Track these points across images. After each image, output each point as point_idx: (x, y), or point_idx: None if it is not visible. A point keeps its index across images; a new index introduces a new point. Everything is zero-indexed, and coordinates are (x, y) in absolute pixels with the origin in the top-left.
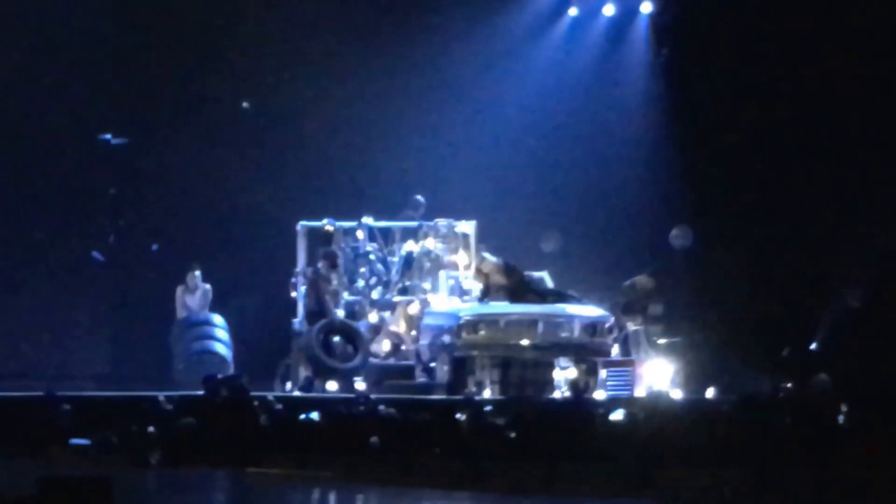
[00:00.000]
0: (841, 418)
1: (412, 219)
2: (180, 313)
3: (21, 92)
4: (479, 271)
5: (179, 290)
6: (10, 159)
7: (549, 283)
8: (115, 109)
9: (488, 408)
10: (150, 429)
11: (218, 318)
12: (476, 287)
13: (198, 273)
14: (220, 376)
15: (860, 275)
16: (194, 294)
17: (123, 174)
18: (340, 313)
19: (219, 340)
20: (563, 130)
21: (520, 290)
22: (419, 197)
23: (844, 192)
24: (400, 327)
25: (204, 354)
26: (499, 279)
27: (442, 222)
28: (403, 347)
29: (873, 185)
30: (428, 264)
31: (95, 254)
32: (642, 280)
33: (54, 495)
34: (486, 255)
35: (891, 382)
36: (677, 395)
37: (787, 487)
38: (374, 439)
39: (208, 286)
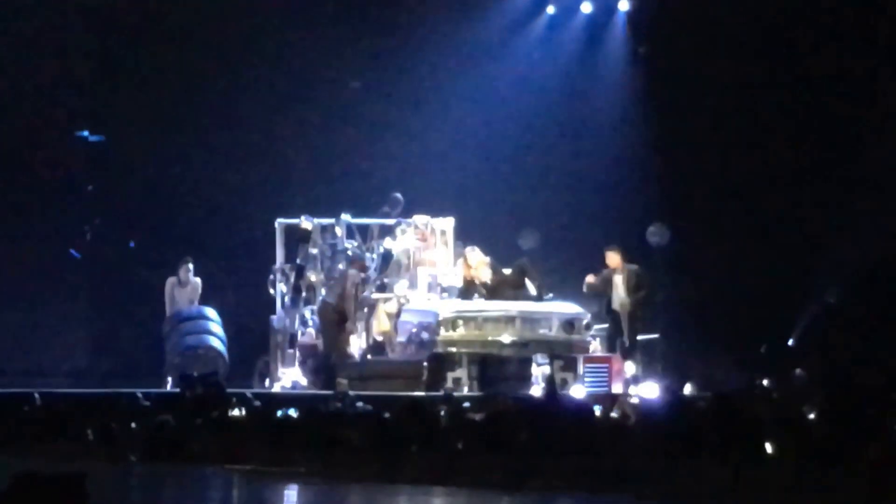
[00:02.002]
0: (814, 415)
1: (390, 216)
2: (171, 307)
3: None
4: (465, 265)
5: (170, 283)
6: None
7: (531, 272)
8: (91, 106)
9: (466, 404)
10: (129, 425)
11: (212, 312)
12: (456, 282)
13: (191, 266)
14: (195, 374)
15: (837, 271)
16: (185, 287)
17: (100, 171)
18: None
19: (213, 335)
20: (540, 127)
21: (501, 287)
22: (397, 194)
23: (823, 189)
24: (378, 324)
25: (199, 349)
26: (483, 275)
27: (420, 219)
28: (381, 341)
29: (853, 182)
30: (406, 261)
31: (72, 251)
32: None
33: (28, 491)
34: (473, 249)
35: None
36: (653, 391)
37: (764, 483)
38: (351, 436)
39: (199, 280)
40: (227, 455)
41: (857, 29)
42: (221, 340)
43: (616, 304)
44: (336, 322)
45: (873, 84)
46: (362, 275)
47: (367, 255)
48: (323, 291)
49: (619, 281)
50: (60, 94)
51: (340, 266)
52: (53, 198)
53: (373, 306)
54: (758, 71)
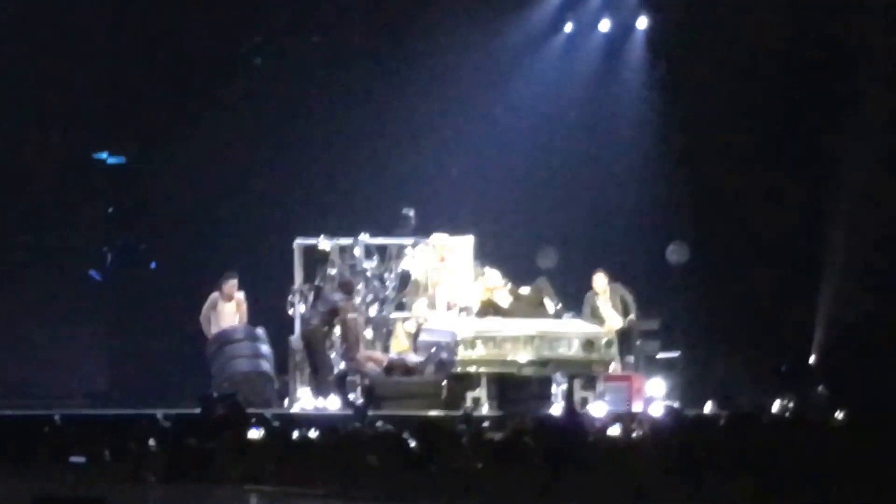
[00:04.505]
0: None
1: (403, 234)
2: (215, 324)
3: (16, 110)
4: (483, 285)
5: (212, 299)
6: (5, 177)
7: (549, 291)
8: (110, 128)
9: (486, 423)
10: (148, 446)
11: (261, 331)
12: (475, 303)
13: (235, 281)
14: (215, 394)
15: (857, 288)
16: (230, 303)
17: (120, 193)
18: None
19: (264, 357)
20: (559, 145)
21: (520, 306)
22: (408, 210)
23: (843, 207)
24: (397, 344)
25: (250, 374)
26: (501, 295)
27: (438, 238)
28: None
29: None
30: (424, 281)
31: (93, 272)
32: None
33: None
34: (489, 269)
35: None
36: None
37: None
38: (371, 456)
39: (242, 295)
40: (246, 476)
41: (877, 41)
42: (270, 362)
43: (608, 327)
44: (322, 343)
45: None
46: (353, 300)
47: (386, 274)
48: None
49: (603, 304)
50: (80, 116)
51: (359, 287)
52: (73, 219)
53: (390, 325)
54: (777, 87)
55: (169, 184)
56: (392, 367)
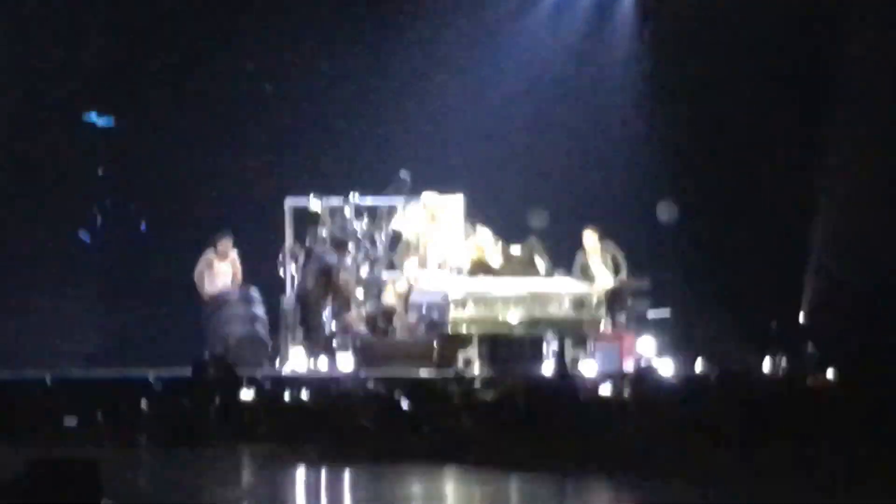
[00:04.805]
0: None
1: (398, 195)
2: (209, 284)
3: (2, 72)
4: (474, 244)
5: (205, 258)
6: None
7: (540, 250)
8: (99, 89)
9: (477, 384)
10: (140, 408)
11: (256, 293)
12: (466, 262)
13: (229, 240)
14: (208, 356)
15: (847, 246)
16: (224, 261)
17: (110, 154)
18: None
19: (259, 320)
20: (548, 105)
21: (511, 266)
22: (404, 172)
23: (835, 165)
24: (389, 304)
25: (245, 339)
26: (493, 254)
27: (429, 198)
28: (395, 324)
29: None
30: (415, 241)
31: (83, 234)
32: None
33: (42, 478)
34: (480, 228)
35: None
36: (666, 368)
37: (775, 461)
38: (363, 417)
39: (236, 253)
40: (238, 437)
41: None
42: (265, 325)
43: (599, 286)
44: (316, 304)
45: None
46: (346, 260)
47: (377, 234)
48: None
49: (594, 262)
50: (68, 78)
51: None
52: (62, 182)
53: (381, 285)
54: (769, 47)
55: (159, 145)
56: (374, 320)
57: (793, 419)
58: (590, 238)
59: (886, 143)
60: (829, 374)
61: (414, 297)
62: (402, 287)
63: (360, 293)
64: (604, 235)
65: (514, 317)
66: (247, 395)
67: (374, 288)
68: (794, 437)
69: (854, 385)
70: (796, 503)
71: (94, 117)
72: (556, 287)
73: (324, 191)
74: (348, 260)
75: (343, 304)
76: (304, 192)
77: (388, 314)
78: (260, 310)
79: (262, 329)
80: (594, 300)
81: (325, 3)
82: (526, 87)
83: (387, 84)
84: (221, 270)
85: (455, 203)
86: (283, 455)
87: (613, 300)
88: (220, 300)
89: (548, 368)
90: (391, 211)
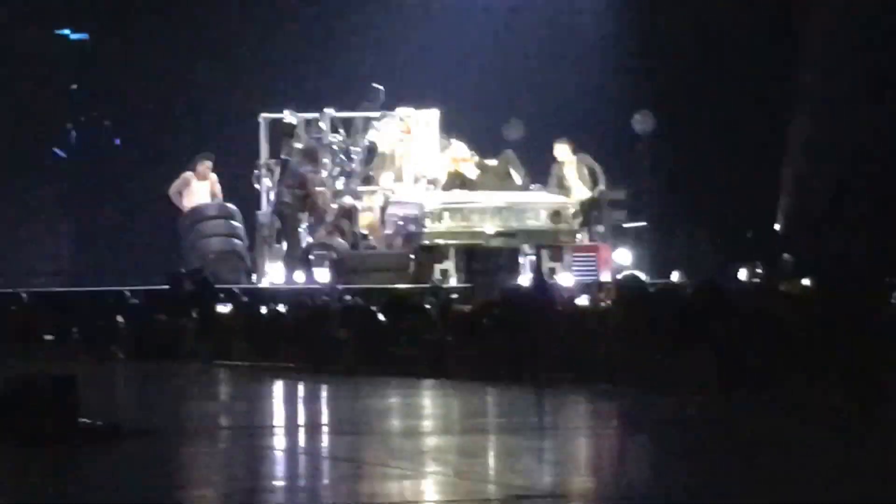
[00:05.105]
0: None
1: (372, 108)
2: (186, 202)
3: None
4: (449, 157)
5: (185, 177)
6: None
7: (515, 163)
8: (74, 3)
9: (454, 295)
10: (116, 323)
11: (234, 209)
12: (442, 176)
13: (210, 162)
14: (183, 269)
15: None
16: (204, 182)
17: (84, 70)
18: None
19: (238, 237)
20: (524, 18)
21: (486, 178)
22: (376, 85)
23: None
24: (365, 218)
25: (224, 254)
26: (468, 167)
27: (404, 111)
28: (370, 238)
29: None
30: (391, 154)
31: (57, 150)
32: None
33: (19, 394)
34: (455, 142)
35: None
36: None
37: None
38: (339, 330)
39: (216, 177)
40: (215, 351)
41: None
42: (244, 240)
43: (575, 197)
44: (293, 215)
45: None
46: (320, 173)
47: (352, 148)
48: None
49: (569, 174)
50: None
51: (325, 161)
52: (37, 98)
53: (357, 199)
54: None
55: (133, 60)
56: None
57: (768, 327)
58: (562, 150)
59: (860, 50)
60: (805, 281)
61: (390, 211)
62: (378, 201)
63: (335, 206)
64: (578, 147)
65: (490, 229)
66: (224, 308)
67: (350, 201)
68: (770, 344)
69: (828, 292)
70: (773, 407)
71: (68, 32)
72: (533, 199)
73: (299, 105)
74: (323, 172)
75: (319, 217)
76: (280, 108)
77: (365, 227)
78: (238, 225)
79: (240, 244)
80: (570, 211)
81: None
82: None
83: (362, 0)
84: (199, 190)
85: (431, 117)
86: (261, 368)
87: (590, 211)
88: (197, 214)
89: (524, 279)
90: (367, 124)
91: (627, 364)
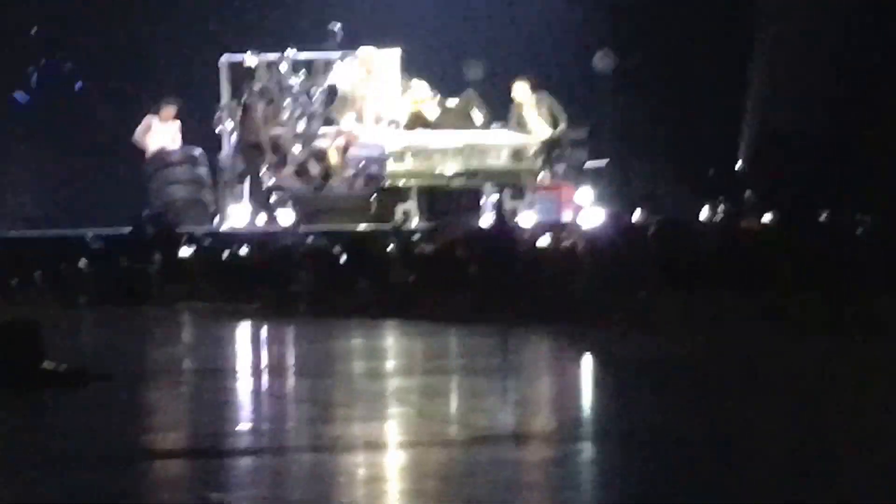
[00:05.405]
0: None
1: (331, 49)
2: (151, 145)
3: None
4: (411, 98)
5: (148, 120)
6: None
7: (477, 102)
8: None
9: (416, 236)
10: (79, 268)
11: (199, 153)
12: (403, 116)
13: (174, 108)
14: (146, 213)
15: (783, 94)
16: (167, 125)
17: (44, 13)
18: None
19: (203, 183)
20: None
21: (448, 118)
22: (335, 25)
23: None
24: (327, 158)
25: (188, 202)
26: (429, 107)
27: (365, 51)
28: (332, 179)
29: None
30: (352, 95)
31: (17, 94)
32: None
33: None
34: (416, 82)
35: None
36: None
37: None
38: (302, 272)
39: (179, 124)
40: (178, 295)
41: None
42: (208, 187)
43: (536, 137)
44: (254, 157)
45: None
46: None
47: (313, 89)
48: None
49: (529, 113)
50: None
51: (286, 102)
52: None
53: (319, 139)
54: None
55: (93, 3)
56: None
57: (730, 264)
58: (521, 89)
59: None
60: (766, 218)
61: (351, 152)
62: (339, 141)
63: (296, 148)
64: (538, 86)
65: (451, 169)
66: (186, 252)
67: (311, 142)
68: (731, 281)
69: (790, 229)
70: (734, 346)
71: None
72: (494, 139)
73: (260, 47)
74: (284, 113)
75: (280, 159)
76: (241, 50)
77: (326, 169)
78: (203, 171)
79: (205, 192)
80: (532, 151)
81: None
82: None
83: None
84: (163, 134)
85: (391, 57)
86: (224, 312)
87: (551, 151)
88: (162, 160)
89: (486, 220)
90: (327, 66)
91: (591, 303)
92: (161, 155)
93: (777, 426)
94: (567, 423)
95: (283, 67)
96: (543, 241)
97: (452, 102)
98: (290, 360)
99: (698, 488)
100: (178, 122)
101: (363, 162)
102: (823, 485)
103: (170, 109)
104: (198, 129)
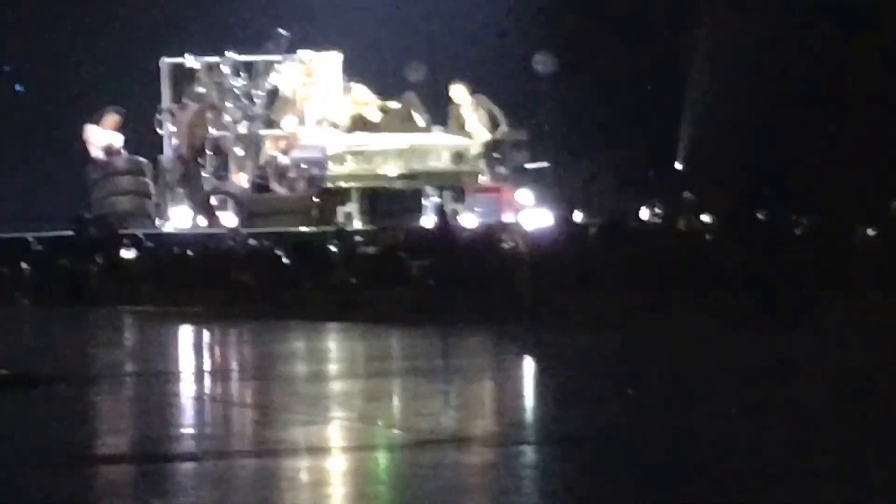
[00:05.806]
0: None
1: (275, 52)
2: (97, 151)
3: None
4: (351, 101)
5: (90, 129)
6: None
7: (418, 105)
8: None
9: (358, 238)
10: (21, 269)
11: (145, 163)
12: (344, 119)
13: (118, 118)
14: (87, 215)
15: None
16: (108, 134)
17: None
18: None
19: (147, 194)
20: None
21: (389, 121)
22: (281, 30)
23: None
24: (269, 161)
25: (134, 213)
26: (370, 110)
27: (305, 55)
28: (269, 178)
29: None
30: (293, 97)
31: None
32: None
33: None
34: (357, 85)
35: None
36: (544, 219)
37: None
38: (244, 274)
39: (121, 138)
40: (120, 297)
41: None
42: (151, 197)
43: (479, 139)
44: (196, 160)
45: None
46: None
47: (255, 91)
48: (211, 131)
49: (468, 116)
50: None
51: (228, 105)
52: None
53: (259, 142)
54: None
55: (33, 4)
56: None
57: (670, 264)
58: (458, 92)
59: None
60: (705, 218)
61: (293, 154)
62: (280, 144)
63: (238, 151)
64: (475, 89)
65: (393, 171)
66: (128, 253)
67: (253, 145)
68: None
69: (728, 229)
70: (679, 342)
71: None
72: (435, 141)
73: (201, 50)
74: (225, 116)
75: (222, 161)
76: (182, 52)
77: (271, 170)
78: (147, 181)
79: (149, 202)
80: (473, 153)
81: None
82: None
83: None
84: (106, 140)
85: (332, 60)
86: (166, 313)
87: (492, 153)
88: (109, 168)
89: (428, 221)
90: (268, 68)
91: (532, 303)
92: (109, 162)
93: (716, 423)
94: (510, 425)
95: (224, 70)
96: (485, 242)
97: (393, 105)
98: (233, 362)
99: (644, 489)
100: (120, 137)
101: (305, 164)
102: (766, 483)
103: (112, 119)
104: (138, 131)
